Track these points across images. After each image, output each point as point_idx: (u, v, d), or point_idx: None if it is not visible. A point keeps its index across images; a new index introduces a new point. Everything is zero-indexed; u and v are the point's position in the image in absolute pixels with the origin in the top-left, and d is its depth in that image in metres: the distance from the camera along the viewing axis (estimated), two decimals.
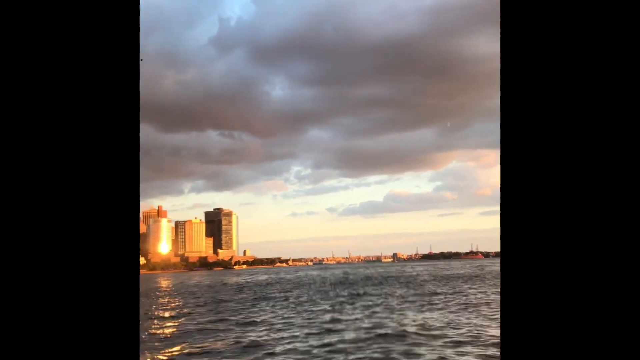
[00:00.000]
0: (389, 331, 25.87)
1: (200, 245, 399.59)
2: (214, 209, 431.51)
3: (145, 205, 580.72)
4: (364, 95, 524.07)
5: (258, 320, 33.74)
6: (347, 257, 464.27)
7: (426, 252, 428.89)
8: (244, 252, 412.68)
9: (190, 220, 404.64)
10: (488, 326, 26.56)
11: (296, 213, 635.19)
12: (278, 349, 22.36)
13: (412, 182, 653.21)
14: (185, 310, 43.70)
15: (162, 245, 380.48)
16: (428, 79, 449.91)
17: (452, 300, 42.80)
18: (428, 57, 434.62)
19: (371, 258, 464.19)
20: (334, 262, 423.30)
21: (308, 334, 26.35)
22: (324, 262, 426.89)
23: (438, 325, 27.90)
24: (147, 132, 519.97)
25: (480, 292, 50.93)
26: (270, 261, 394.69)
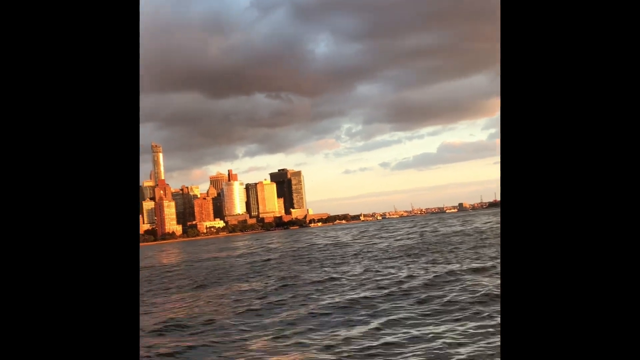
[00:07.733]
0: None
1: (272, 206, 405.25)
2: (279, 170, 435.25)
3: (203, 171, 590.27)
4: (411, 45, 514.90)
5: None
6: (409, 211, 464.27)
7: (491, 199, 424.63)
8: (307, 211, 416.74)
9: (261, 182, 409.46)
10: None
11: (349, 170, 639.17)
12: None
13: (467, 131, 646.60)
14: None
15: (237, 208, 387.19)
16: (477, 22, 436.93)
17: None
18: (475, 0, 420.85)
19: (433, 210, 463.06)
20: (397, 216, 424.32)
21: None
22: (387, 217, 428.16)
23: None
24: (197, 100, 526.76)
25: None
26: (343, 217, 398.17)
